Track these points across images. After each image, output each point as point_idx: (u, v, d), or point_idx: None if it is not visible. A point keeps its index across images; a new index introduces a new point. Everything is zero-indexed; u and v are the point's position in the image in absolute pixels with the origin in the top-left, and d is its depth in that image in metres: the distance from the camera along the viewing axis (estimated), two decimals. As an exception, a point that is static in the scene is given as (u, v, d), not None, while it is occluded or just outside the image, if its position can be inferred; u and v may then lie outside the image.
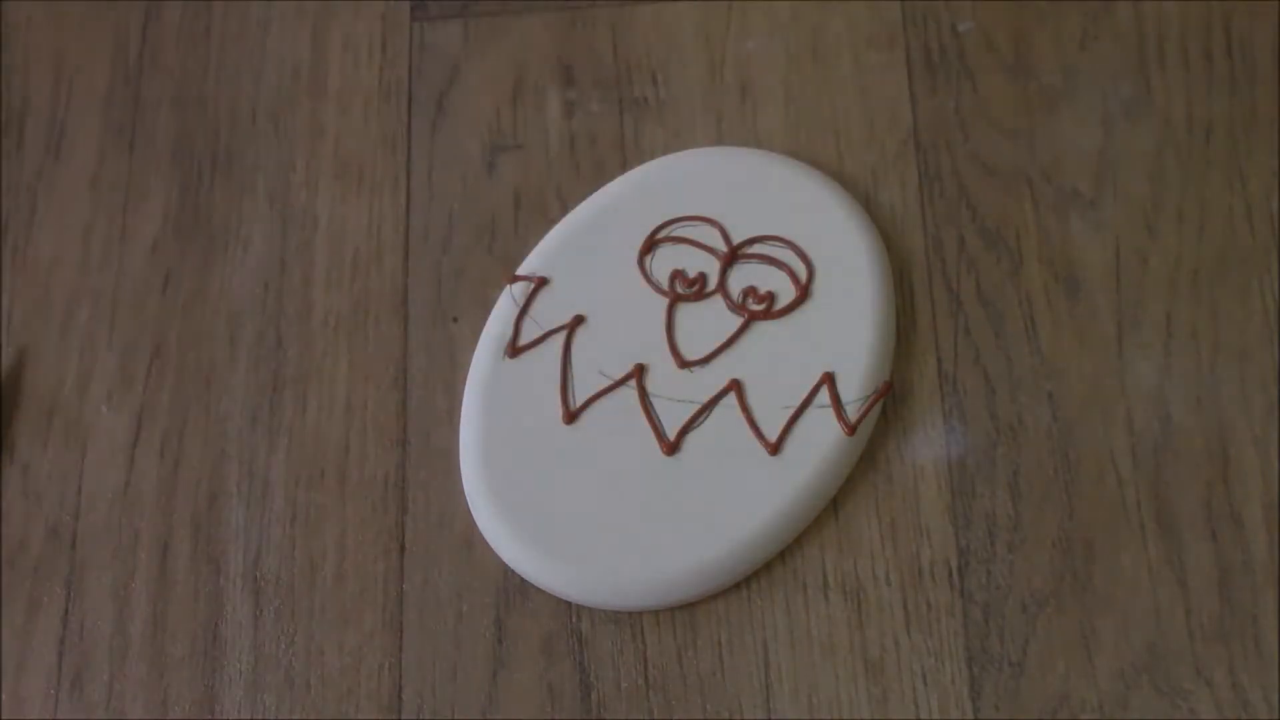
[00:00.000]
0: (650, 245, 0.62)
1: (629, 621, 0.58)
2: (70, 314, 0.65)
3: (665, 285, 0.61)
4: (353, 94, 0.67)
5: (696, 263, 0.61)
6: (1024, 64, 0.64)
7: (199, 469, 0.62)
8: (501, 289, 0.63)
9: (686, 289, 0.61)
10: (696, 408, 0.59)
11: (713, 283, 0.61)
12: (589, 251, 0.62)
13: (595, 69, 0.66)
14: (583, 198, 0.64)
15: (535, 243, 0.63)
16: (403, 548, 0.60)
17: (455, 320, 0.63)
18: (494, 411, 0.60)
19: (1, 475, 0.63)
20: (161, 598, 0.60)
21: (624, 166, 0.64)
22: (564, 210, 0.64)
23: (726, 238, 0.61)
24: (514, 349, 0.61)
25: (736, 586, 0.58)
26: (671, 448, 0.59)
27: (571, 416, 0.60)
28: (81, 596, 0.61)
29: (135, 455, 0.63)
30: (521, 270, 0.63)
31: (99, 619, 0.60)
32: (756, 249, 0.61)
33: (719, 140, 0.65)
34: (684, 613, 0.58)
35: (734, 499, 0.58)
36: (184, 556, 0.61)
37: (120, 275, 0.65)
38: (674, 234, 0.62)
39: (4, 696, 0.60)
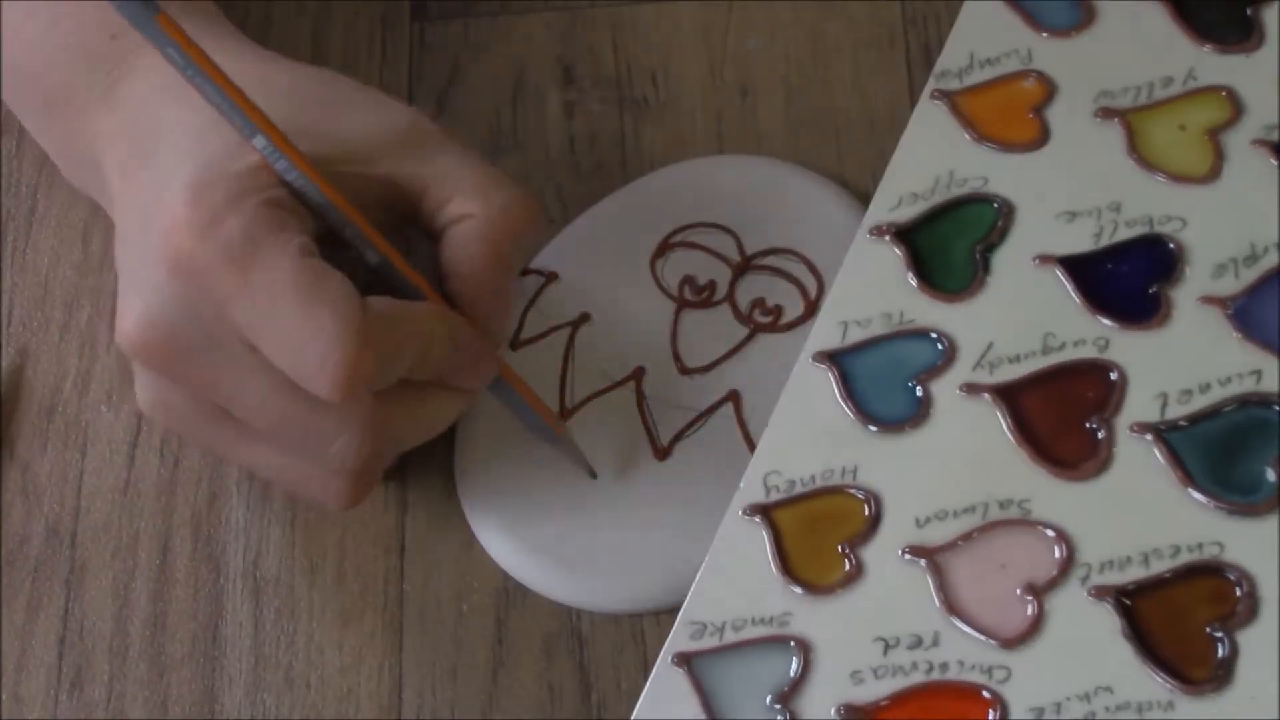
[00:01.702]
0: (664, 249, 0.62)
1: (629, 622, 0.58)
2: (70, 314, 0.65)
3: (674, 290, 0.61)
4: (353, 94, 0.67)
5: (708, 270, 0.61)
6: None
7: (199, 469, 0.62)
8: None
9: (695, 295, 0.61)
10: (693, 415, 0.59)
11: (722, 291, 0.61)
12: (602, 250, 0.62)
13: (595, 69, 0.66)
14: (583, 198, 0.64)
15: (536, 242, 0.63)
16: (403, 548, 0.60)
17: (455, 320, 0.63)
18: (492, 401, 0.60)
19: (1, 475, 0.63)
20: (161, 598, 0.60)
21: (624, 166, 0.64)
22: (564, 210, 0.64)
23: (740, 247, 0.61)
24: (517, 341, 0.61)
25: (736, 586, 0.58)
26: (663, 453, 0.59)
27: (568, 414, 0.60)
28: (81, 596, 0.61)
29: (135, 455, 0.63)
30: (534, 264, 0.63)
31: (99, 619, 0.60)
32: (769, 261, 0.61)
33: (719, 140, 0.65)
34: (684, 613, 0.58)
35: (723, 510, 0.57)
36: (184, 556, 0.61)
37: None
38: (689, 239, 0.62)
39: (4, 696, 0.60)
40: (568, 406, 0.60)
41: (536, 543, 0.58)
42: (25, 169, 0.67)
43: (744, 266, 0.61)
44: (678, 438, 0.59)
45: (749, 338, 0.60)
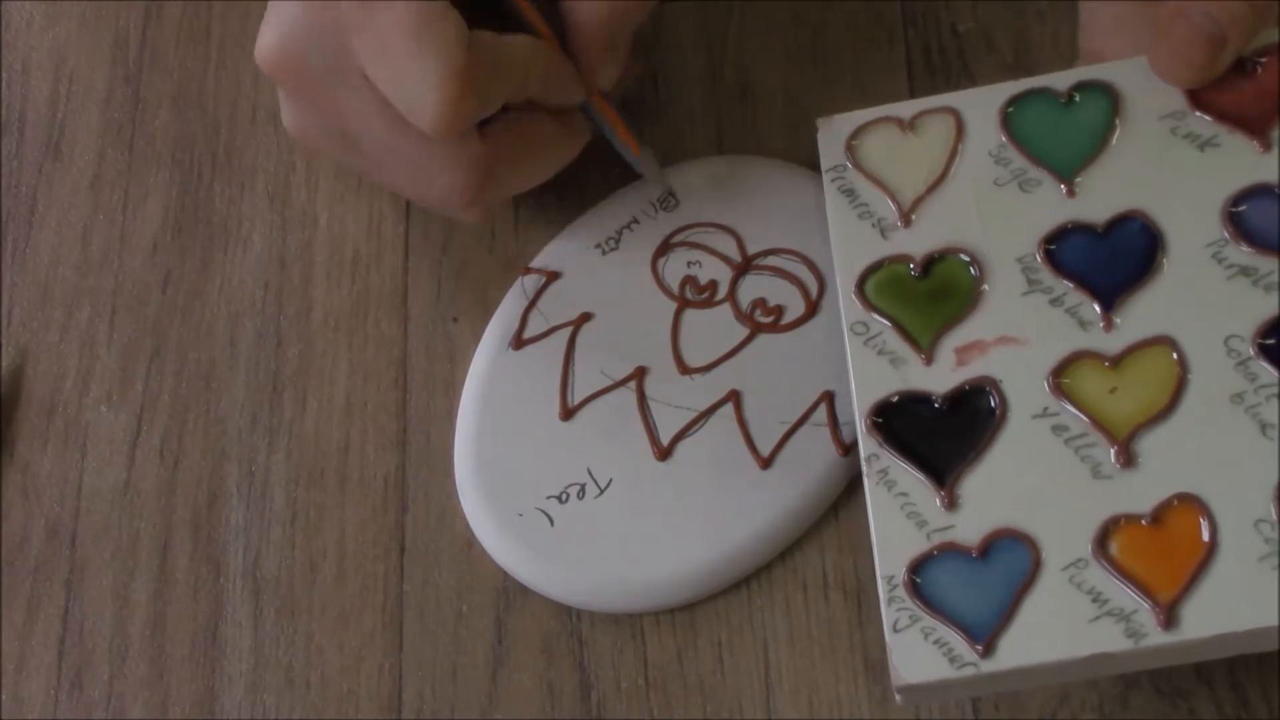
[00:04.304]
0: (665, 249, 0.62)
1: (629, 622, 0.58)
2: (70, 314, 0.65)
3: (676, 290, 0.61)
4: (353, 93, 0.67)
5: (709, 270, 0.61)
6: (1024, 64, 0.64)
7: (199, 469, 0.62)
8: (501, 289, 0.63)
9: (696, 295, 0.61)
10: (693, 415, 0.59)
11: (723, 291, 0.61)
12: (604, 250, 0.62)
13: (595, 69, 0.66)
14: (584, 198, 0.64)
15: (535, 243, 0.63)
16: (403, 548, 0.60)
17: (455, 320, 0.63)
18: (492, 401, 0.61)
19: (2, 475, 0.63)
20: (161, 598, 0.61)
21: (624, 167, 0.64)
22: (565, 210, 0.64)
23: (742, 247, 0.61)
24: (519, 341, 0.61)
25: (736, 586, 0.58)
26: (664, 453, 0.59)
27: (569, 413, 0.60)
28: (81, 596, 0.61)
29: (135, 455, 0.63)
30: (535, 264, 0.63)
31: (99, 619, 0.60)
32: (770, 261, 0.61)
33: (719, 140, 0.65)
34: (684, 613, 0.58)
35: (723, 510, 0.58)
36: (184, 556, 0.61)
37: (120, 275, 0.66)
38: (690, 239, 0.62)
39: (4, 696, 0.60)
40: (569, 406, 0.60)
41: (536, 543, 0.58)
42: (25, 169, 0.68)
43: (745, 266, 0.61)
44: (678, 438, 0.59)
45: (750, 338, 0.60)
